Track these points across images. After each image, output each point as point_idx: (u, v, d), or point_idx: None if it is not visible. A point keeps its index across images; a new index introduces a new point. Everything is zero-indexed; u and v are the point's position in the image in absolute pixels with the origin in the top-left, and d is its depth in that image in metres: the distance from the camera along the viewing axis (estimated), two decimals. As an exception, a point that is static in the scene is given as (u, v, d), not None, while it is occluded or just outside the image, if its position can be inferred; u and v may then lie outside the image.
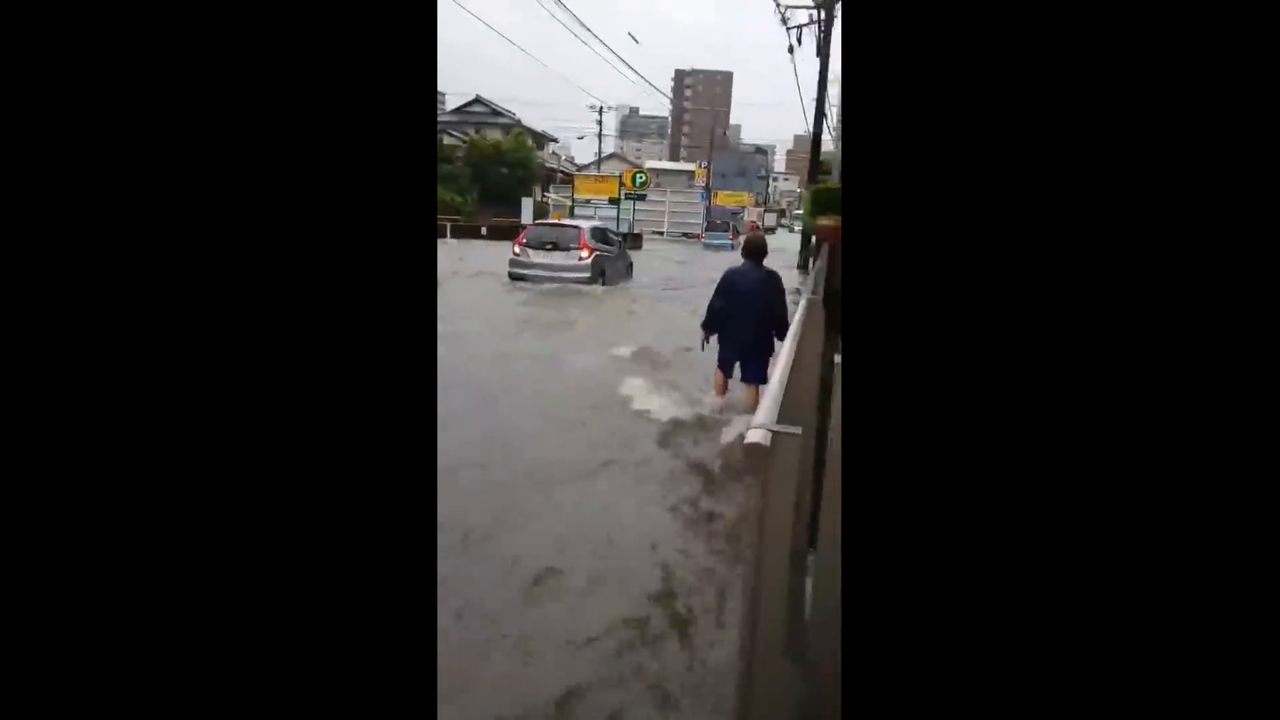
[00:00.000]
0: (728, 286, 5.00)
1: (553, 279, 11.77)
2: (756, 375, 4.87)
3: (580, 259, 11.79)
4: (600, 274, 12.07)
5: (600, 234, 12.91)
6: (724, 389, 5.23)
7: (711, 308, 5.07)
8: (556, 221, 13.84)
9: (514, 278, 12.01)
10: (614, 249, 13.24)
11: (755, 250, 5.10)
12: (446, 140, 41.14)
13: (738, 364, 5.06)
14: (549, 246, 11.97)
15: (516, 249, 12.21)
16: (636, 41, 38.55)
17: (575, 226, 12.55)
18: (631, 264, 14.20)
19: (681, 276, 14.96)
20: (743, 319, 4.90)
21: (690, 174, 50.06)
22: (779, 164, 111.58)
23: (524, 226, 13.19)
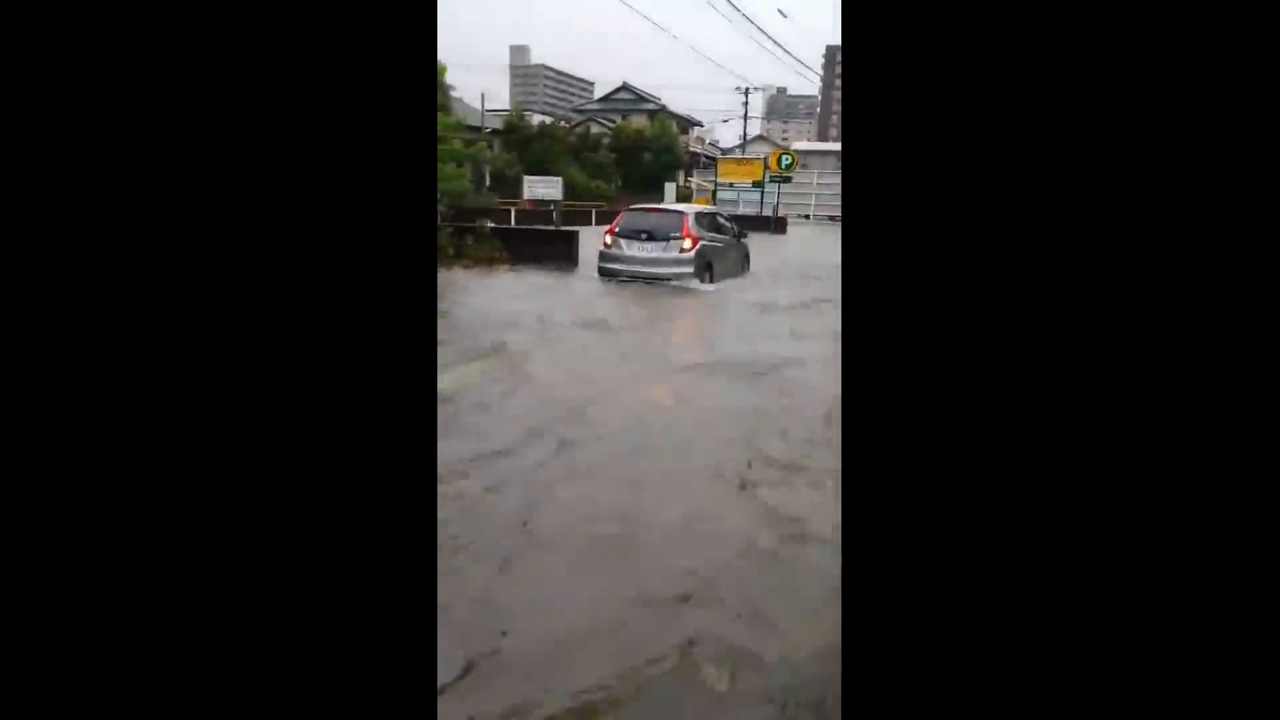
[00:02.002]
0: None
1: (647, 275, 9.26)
2: None
3: (682, 250, 9.17)
4: (706, 268, 9.41)
5: (709, 220, 10.11)
6: None
7: None
8: (656, 206, 10.85)
9: (604, 274, 9.58)
10: (726, 238, 10.39)
11: None
12: (594, 129, 40.27)
13: None
14: (644, 236, 9.40)
15: (608, 239, 9.65)
16: (785, 17, 35.30)
17: (677, 212, 9.74)
18: (748, 254, 11.26)
19: (817, 263, 12.06)
20: None
21: (839, 154, 45.70)
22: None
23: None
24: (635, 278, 9.27)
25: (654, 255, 9.26)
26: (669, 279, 9.16)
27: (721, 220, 10.80)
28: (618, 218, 10.05)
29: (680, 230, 9.23)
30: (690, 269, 9.14)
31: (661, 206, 10.44)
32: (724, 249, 10.10)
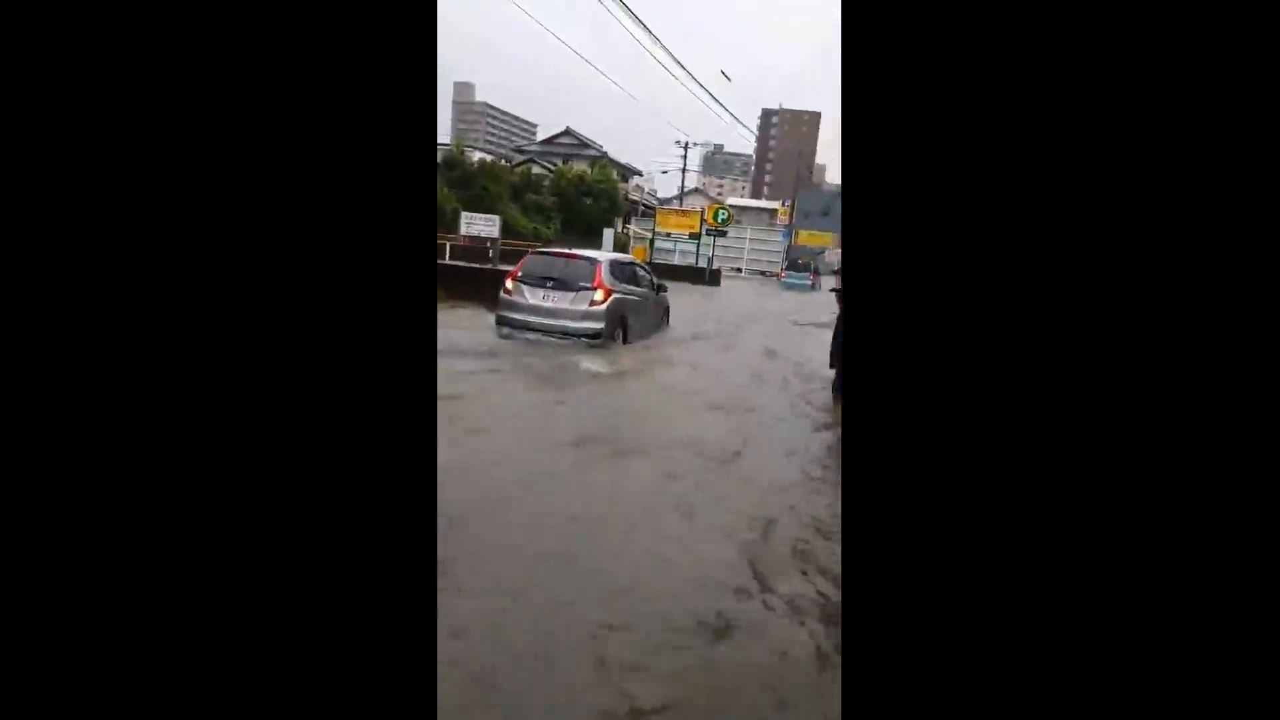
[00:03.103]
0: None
1: (550, 328, 7.83)
2: None
3: (591, 303, 7.79)
4: (619, 324, 8.09)
5: (626, 270, 8.76)
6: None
7: (835, 338, 5.79)
8: (566, 250, 9.04)
9: (502, 324, 8.05)
10: (645, 290, 9.07)
11: None
12: (535, 170, 39.16)
13: None
14: (550, 284, 7.98)
15: (509, 285, 8.14)
16: (728, 79, 35.38)
17: (589, 259, 8.30)
18: (668, 309, 10.04)
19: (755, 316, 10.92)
20: None
21: (772, 212, 45.96)
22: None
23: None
24: (537, 331, 7.84)
25: (560, 306, 7.87)
26: (576, 335, 7.78)
27: (640, 271, 9.46)
28: (521, 261, 8.61)
29: (592, 280, 7.89)
30: (599, 325, 7.78)
31: (573, 251, 8.89)
32: (641, 303, 8.81)
